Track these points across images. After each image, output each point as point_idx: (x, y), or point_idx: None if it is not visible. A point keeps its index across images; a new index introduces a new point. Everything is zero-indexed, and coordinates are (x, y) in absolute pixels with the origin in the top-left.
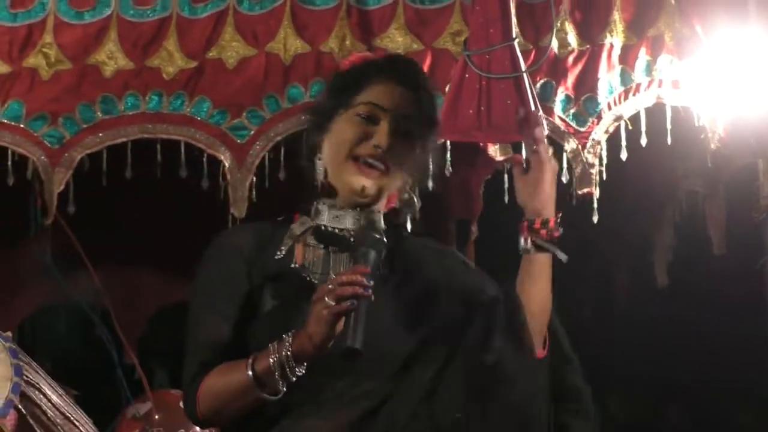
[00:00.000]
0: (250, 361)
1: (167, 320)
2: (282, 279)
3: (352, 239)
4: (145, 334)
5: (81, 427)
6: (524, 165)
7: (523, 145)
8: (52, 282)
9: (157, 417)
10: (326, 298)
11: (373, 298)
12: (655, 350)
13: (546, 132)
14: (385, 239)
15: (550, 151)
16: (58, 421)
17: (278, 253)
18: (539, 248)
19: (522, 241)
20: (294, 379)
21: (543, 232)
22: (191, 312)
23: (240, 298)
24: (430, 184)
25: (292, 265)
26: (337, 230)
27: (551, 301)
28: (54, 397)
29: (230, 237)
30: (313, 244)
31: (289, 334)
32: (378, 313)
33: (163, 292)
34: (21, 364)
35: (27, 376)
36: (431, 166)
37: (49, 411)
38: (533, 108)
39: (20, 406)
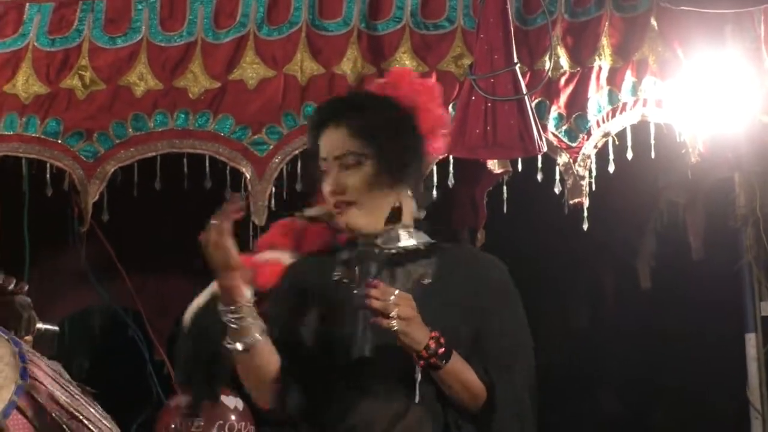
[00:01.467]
0: None
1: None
2: (332, 294)
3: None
4: (174, 334)
5: (92, 426)
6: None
7: None
8: (88, 285)
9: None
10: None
11: (370, 306)
12: (639, 348)
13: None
14: (377, 252)
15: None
16: (64, 419)
17: (335, 275)
18: (432, 368)
19: (417, 371)
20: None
21: (422, 363)
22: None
23: (292, 311)
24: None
25: (341, 284)
26: (371, 250)
27: (471, 385)
28: (62, 398)
29: (296, 265)
30: (356, 264)
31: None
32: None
33: (190, 294)
34: (28, 366)
35: (34, 377)
36: (414, 166)
37: (54, 412)
38: (533, 127)
39: (23, 407)
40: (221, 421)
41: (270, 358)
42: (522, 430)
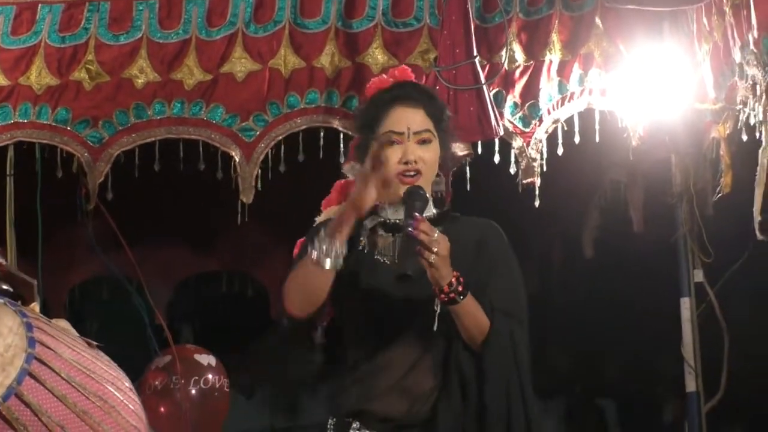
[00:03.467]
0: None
1: (191, 289)
2: (361, 262)
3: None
4: (172, 301)
5: (95, 377)
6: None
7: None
8: (94, 257)
9: (177, 367)
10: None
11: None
12: (584, 312)
13: None
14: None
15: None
16: (73, 377)
17: (360, 245)
18: (451, 303)
19: (437, 304)
20: (329, 254)
21: (450, 296)
22: None
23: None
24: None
25: (367, 252)
26: (398, 221)
27: (479, 322)
28: (69, 357)
29: (319, 230)
30: (382, 234)
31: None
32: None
33: (187, 265)
34: (35, 335)
35: (43, 343)
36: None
37: (63, 372)
38: (491, 113)
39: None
40: (196, 377)
41: (329, 286)
42: (510, 365)
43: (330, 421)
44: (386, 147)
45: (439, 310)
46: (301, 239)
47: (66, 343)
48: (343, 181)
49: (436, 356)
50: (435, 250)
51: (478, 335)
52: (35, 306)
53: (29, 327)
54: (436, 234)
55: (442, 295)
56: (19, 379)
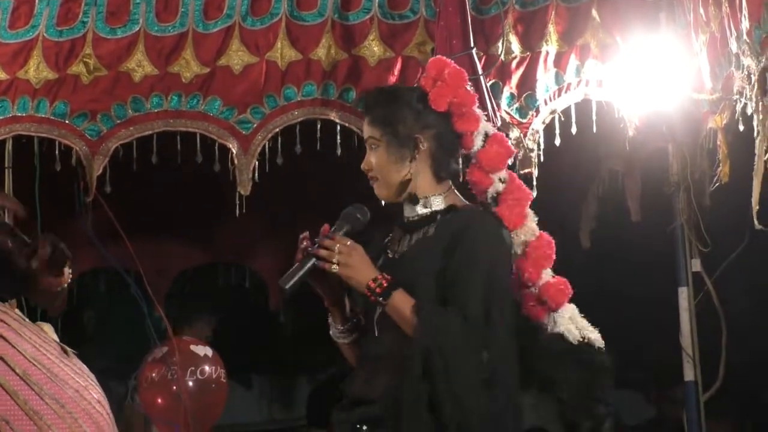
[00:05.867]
0: None
1: (189, 280)
2: (382, 256)
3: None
4: (171, 292)
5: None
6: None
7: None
8: (93, 249)
9: (174, 358)
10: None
11: (315, 253)
12: (582, 301)
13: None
14: (361, 216)
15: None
16: (30, 375)
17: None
18: (380, 303)
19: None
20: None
21: (372, 297)
22: None
23: None
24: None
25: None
26: (405, 219)
27: (411, 323)
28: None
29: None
30: (398, 230)
31: None
32: (408, 271)
33: (185, 257)
34: None
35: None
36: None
37: (17, 368)
38: (488, 104)
39: None
40: (193, 368)
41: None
42: (433, 362)
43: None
44: None
45: (378, 312)
46: None
47: (32, 343)
48: None
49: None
50: (334, 260)
51: (410, 332)
52: (13, 304)
53: None
54: (338, 246)
55: (372, 298)
56: None
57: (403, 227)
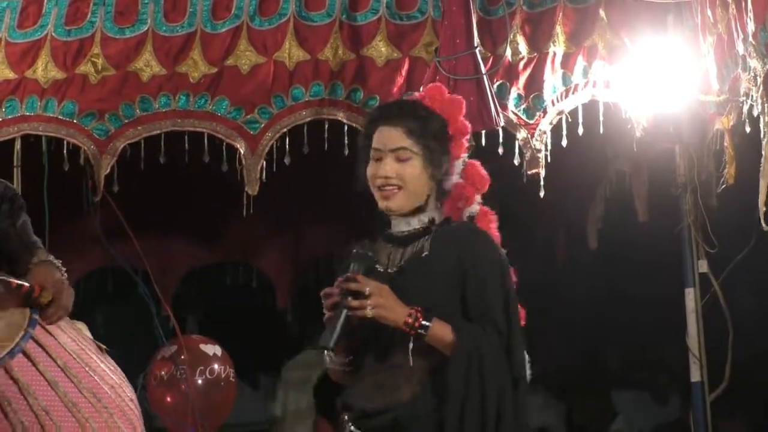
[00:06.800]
0: None
1: (197, 280)
2: (372, 269)
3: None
4: (178, 291)
5: (95, 375)
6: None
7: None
8: (101, 248)
9: (183, 357)
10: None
11: (347, 305)
12: (589, 302)
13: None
14: (372, 253)
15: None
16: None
17: (370, 253)
18: (418, 337)
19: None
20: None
21: (411, 332)
22: None
23: None
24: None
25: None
26: (395, 233)
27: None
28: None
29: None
30: (385, 245)
31: None
32: (414, 286)
33: (193, 256)
34: (38, 318)
35: (44, 327)
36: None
37: (59, 359)
38: (491, 104)
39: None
40: (202, 367)
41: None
42: (471, 378)
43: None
44: (371, 164)
45: (412, 346)
46: None
47: (71, 337)
48: None
49: (414, 362)
50: (369, 304)
51: (448, 352)
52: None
53: (35, 311)
54: (368, 289)
55: (411, 332)
56: (12, 353)
57: (391, 241)
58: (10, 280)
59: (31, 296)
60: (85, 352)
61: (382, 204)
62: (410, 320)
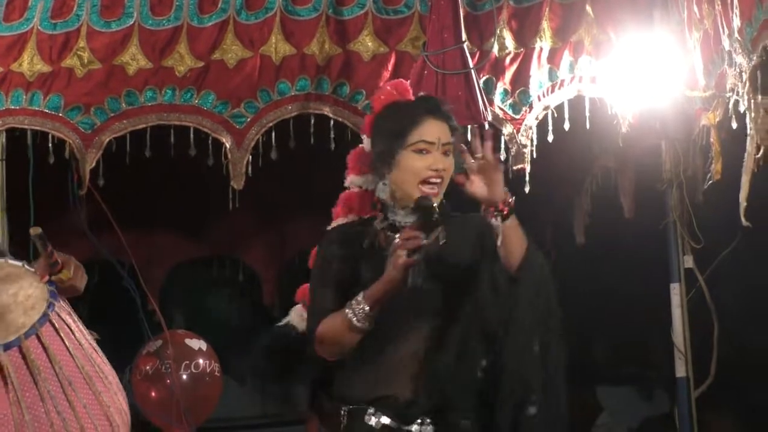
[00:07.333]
0: (345, 309)
1: (182, 273)
2: (371, 259)
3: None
4: (164, 285)
5: (98, 369)
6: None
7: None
8: (87, 241)
9: (168, 351)
10: (399, 251)
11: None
12: (576, 298)
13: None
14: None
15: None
16: (79, 357)
17: (365, 242)
18: (505, 219)
19: (493, 220)
20: (369, 319)
21: (505, 210)
22: (309, 286)
23: (341, 274)
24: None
25: (376, 251)
26: (405, 224)
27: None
28: (82, 338)
29: (332, 233)
30: (389, 234)
31: (361, 293)
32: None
33: (179, 250)
34: (54, 303)
35: (58, 310)
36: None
37: (71, 346)
38: (479, 98)
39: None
40: (187, 362)
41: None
42: (545, 289)
43: (343, 409)
44: (414, 154)
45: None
46: (314, 249)
47: (74, 318)
48: (347, 192)
49: (445, 343)
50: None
51: (519, 251)
52: None
53: (52, 284)
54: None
55: (495, 212)
56: (41, 321)
57: (395, 231)
58: (48, 244)
59: (55, 269)
60: (87, 335)
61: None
62: (508, 198)
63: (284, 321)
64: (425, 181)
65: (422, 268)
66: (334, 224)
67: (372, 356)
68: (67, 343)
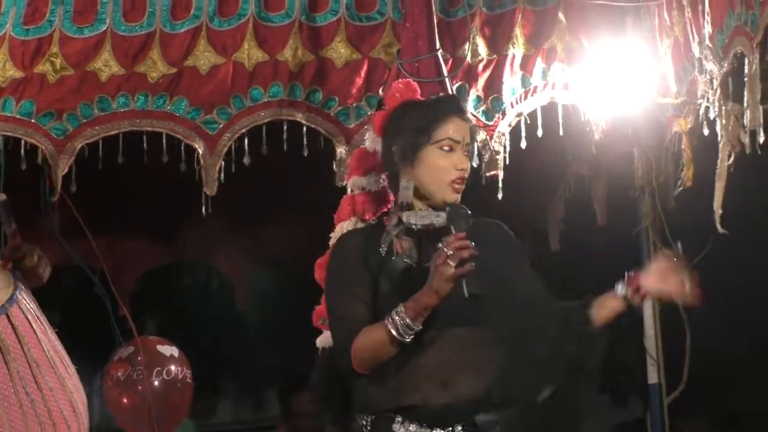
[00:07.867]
0: (386, 323)
1: (153, 279)
2: (389, 265)
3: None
4: (135, 291)
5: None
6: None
7: None
8: (58, 247)
9: (139, 358)
10: (449, 261)
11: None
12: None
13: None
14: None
15: None
16: (44, 341)
17: (382, 248)
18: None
19: (625, 292)
20: (413, 331)
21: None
22: (329, 295)
23: (365, 281)
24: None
25: (394, 257)
26: (422, 226)
27: None
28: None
29: (348, 239)
30: (406, 238)
31: (400, 305)
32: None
33: (150, 256)
34: (21, 286)
35: (22, 295)
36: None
37: (37, 329)
38: None
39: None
40: (159, 368)
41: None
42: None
43: (366, 419)
44: (439, 151)
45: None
46: (320, 259)
47: (39, 308)
48: (350, 195)
49: (477, 350)
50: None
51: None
52: None
53: (14, 272)
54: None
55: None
56: (10, 301)
57: (411, 234)
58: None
59: (17, 254)
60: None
61: (450, 197)
62: None
63: (319, 350)
64: (453, 182)
65: (476, 277)
66: (338, 230)
67: (399, 364)
68: (34, 326)
